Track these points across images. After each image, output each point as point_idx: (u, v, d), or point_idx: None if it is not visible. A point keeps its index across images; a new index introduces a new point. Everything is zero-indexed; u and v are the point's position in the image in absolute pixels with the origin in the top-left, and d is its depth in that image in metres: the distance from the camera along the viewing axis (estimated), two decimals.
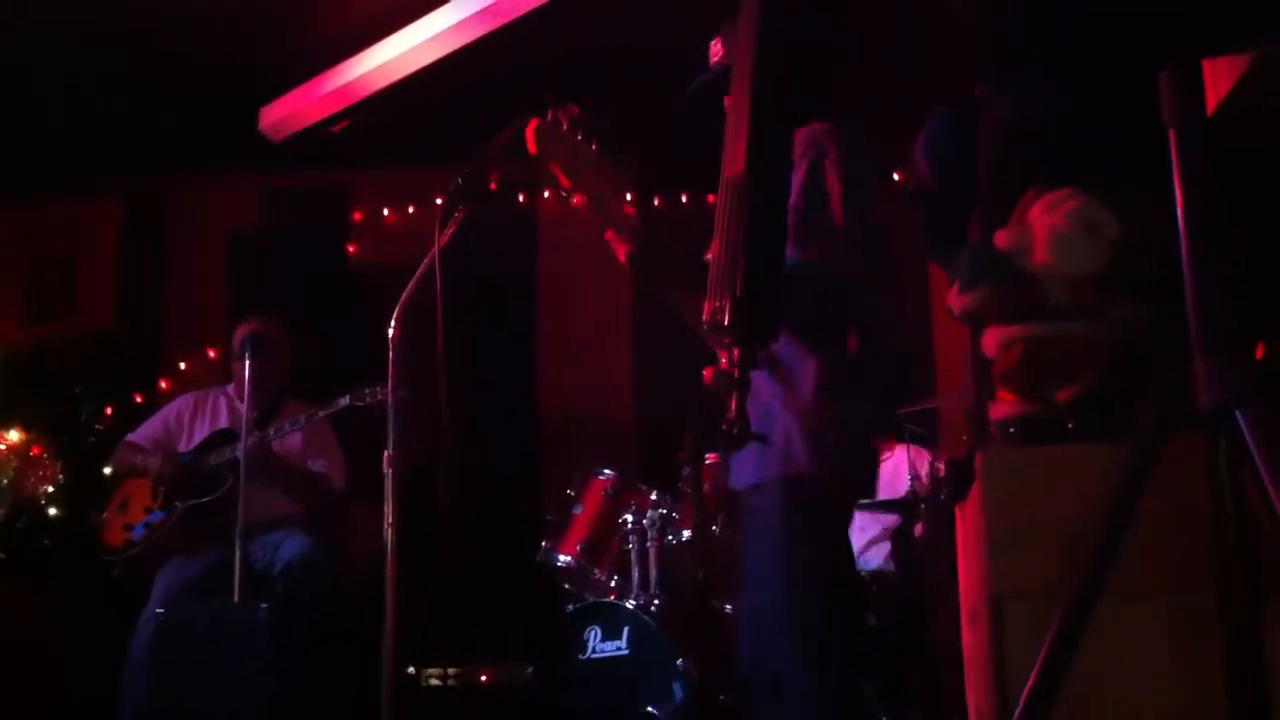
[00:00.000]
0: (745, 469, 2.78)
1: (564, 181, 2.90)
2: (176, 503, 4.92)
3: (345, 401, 4.79)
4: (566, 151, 2.87)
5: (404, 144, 6.10)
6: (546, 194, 6.49)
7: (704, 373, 2.37)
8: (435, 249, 3.14)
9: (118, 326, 6.64)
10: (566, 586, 4.54)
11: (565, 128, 2.87)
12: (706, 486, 4.04)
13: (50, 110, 5.82)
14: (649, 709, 3.77)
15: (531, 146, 2.89)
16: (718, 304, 2.27)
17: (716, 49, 3.04)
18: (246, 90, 5.59)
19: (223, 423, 5.16)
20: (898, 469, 5.05)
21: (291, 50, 5.40)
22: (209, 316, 6.56)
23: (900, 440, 5.03)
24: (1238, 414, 1.56)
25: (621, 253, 2.90)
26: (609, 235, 2.91)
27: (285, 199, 6.76)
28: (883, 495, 4.94)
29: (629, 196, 2.94)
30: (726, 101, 2.83)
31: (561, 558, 4.40)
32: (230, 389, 5.29)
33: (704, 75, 3.05)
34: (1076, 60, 2.04)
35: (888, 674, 4.01)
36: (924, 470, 4.88)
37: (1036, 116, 2.15)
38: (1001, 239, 1.95)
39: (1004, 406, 1.95)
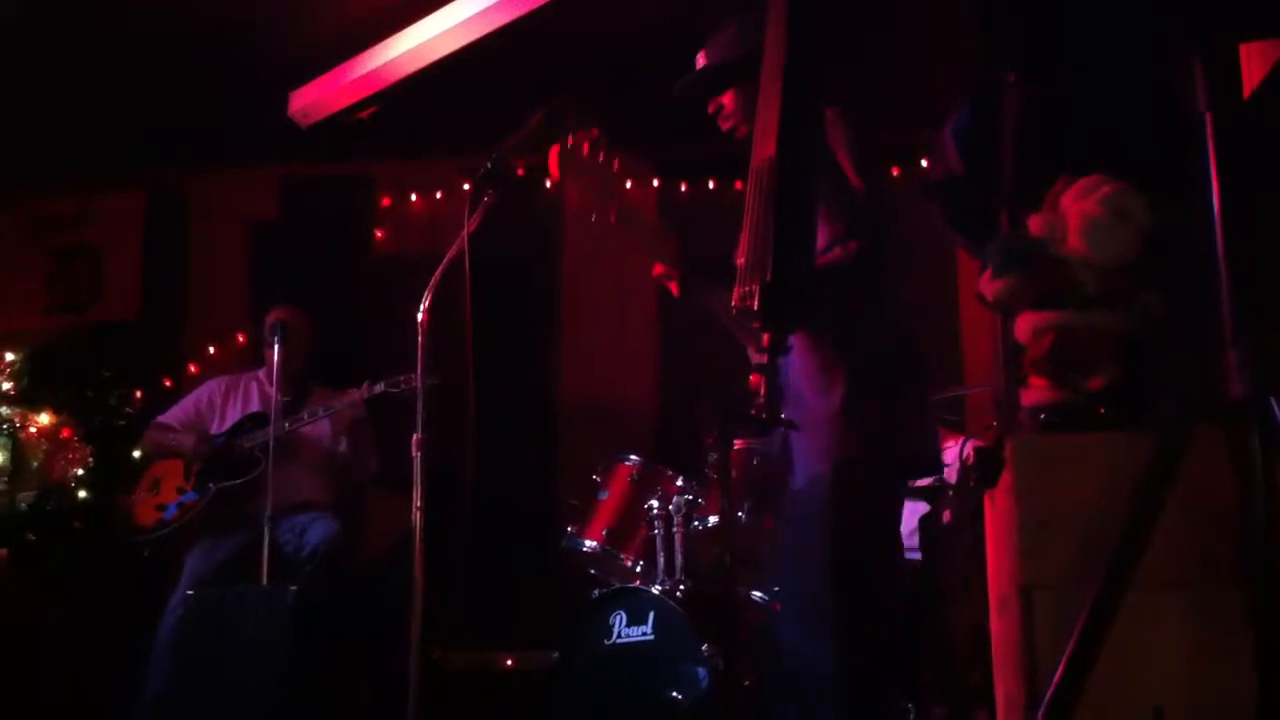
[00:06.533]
0: (797, 461, 2.78)
1: (589, 205, 2.90)
2: (210, 484, 4.95)
3: (380, 388, 4.82)
4: (591, 178, 2.86)
5: (428, 133, 6.09)
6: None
7: (751, 379, 2.36)
8: (464, 233, 3.14)
9: (145, 316, 6.67)
10: (592, 572, 4.55)
11: (586, 152, 2.86)
12: (733, 472, 4.02)
13: (75, 101, 5.83)
14: (673, 694, 3.77)
15: (554, 173, 2.88)
16: (746, 289, 2.27)
17: (701, 59, 3.08)
18: (270, 80, 5.59)
19: (254, 406, 5.20)
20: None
21: (315, 40, 5.41)
22: (233, 305, 6.58)
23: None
24: (1272, 402, 1.55)
25: (674, 286, 2.91)
26: (657, 272, 2.93)
27: (309, 188, 6.76)
28: None
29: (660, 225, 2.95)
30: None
31: (587, 543, 4.40)
32: (261, 373, 5.33)
33: (689, 77, 3.08)
34: (1103, 47, 2.03)
35: (914, 661, 4.00)
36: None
37: (1062, 104, 2.14)
38: (1034, 225, 1.94)
39: (1035, 393, 1.94)
